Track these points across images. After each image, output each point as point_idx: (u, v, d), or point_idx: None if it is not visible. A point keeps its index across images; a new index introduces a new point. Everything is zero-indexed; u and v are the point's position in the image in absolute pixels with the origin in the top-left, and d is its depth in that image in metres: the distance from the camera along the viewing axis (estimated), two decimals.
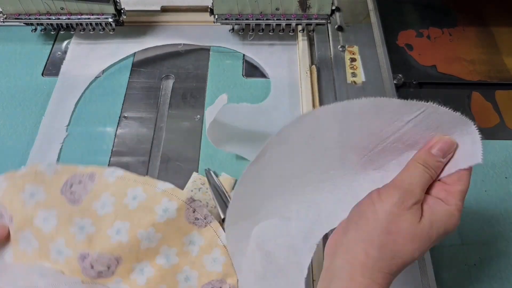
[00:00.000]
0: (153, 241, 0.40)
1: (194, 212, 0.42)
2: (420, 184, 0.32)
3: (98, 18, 0.62)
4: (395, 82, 0.60)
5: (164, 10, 0.69)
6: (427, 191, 0.33)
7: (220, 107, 0.49)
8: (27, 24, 0.64)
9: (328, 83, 0.60)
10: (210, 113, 0.51)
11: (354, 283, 0.30)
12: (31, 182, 0.40)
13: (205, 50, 0.66)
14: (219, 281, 0.41)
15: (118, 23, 0.64)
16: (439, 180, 0.33)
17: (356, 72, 0.61)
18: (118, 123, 0.58)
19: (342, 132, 0.35)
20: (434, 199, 0.32)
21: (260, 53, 0.65)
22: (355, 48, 0.63)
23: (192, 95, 0.61)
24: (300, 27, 0.65)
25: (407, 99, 0.59)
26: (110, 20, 0.62)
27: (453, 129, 0.33)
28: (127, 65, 0.64)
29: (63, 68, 0.63)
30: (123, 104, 0.60)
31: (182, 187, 0.51)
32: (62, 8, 0.61)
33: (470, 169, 0.33)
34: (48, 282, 0.37)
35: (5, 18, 0.62)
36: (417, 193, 0.32)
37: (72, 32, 0.67)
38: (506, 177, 0.52)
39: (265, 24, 0.63)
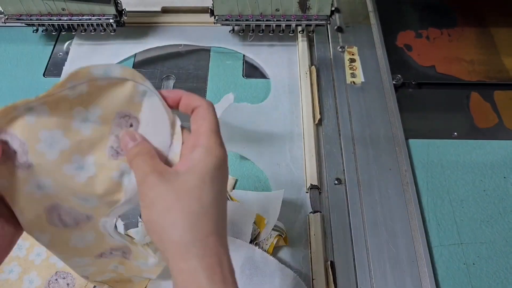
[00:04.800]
0: None
1: None
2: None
3: (99, 19, 0.62)
4: (394, 82, 0.61)
5: (165, 11, 0.70)
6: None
7: (226, 107, 0.49)
8: (28, 25, 0.65)
9: (327, 84, 0.60)
10: None
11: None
12: None
13: (206, 50, 0.67)
14: None
15: (119, 24, 0.64)
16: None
17: (356, 73, 0.61)
18: None
19: None
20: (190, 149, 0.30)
21: (260, 53, 0.65)
22: (355, 49, 0.64)
23: None
24: (300, 28, 0.65)
25: (406, 99, 0.60)
26: (111, 21, 0.62)
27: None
28: (128, 66, 0.64)
29: (65, 69, 0.64)
30: None
31: None
32: (63, 9, 0.61)
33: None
34: None
35: (7, 19, 0.63)
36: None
37: (73, 33, 0.68)
38: (504, 177, 0.52)
39: (265, 25, 0.63)
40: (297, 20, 0.61)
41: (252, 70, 0.64)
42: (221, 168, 0.29)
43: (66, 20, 0.62)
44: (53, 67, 0.65)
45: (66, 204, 0.32)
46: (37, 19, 0.62)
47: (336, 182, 0.51)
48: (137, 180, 0.29)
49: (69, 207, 0.32)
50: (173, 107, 0.33)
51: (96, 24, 0.64)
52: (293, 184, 0.52)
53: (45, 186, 0.30)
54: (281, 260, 0.45)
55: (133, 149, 0.30)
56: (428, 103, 0.61)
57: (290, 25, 0.63)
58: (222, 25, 0.63)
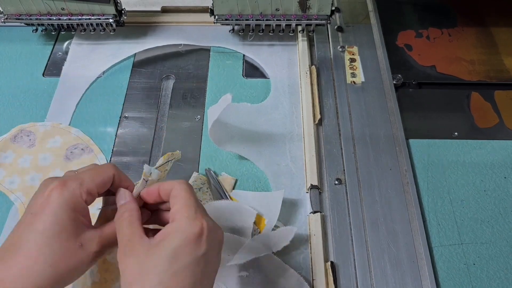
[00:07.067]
0: None
1: None
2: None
3: (99, 19, 0.62)
4: (394, 82, 0.60)
5: (165, 10, 0.70)
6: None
7: (224, 107, 0.49)
8: (28, 24, 0.65)
9: (327, 83, 0.60)
10: (212, 112, 0.51)
11: None
12: None
13: (205, 50, 0.66)
14: None
15: (119, 23, 0.64)
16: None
17: (356, 73, 0.61)
18: (118, 123, 0.58)
19: None
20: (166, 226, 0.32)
21: (260, 53, 0.65)
22: (355, 49, 0.64)
23: (192, 95, 0.61)
24: (300, 28, 0.65)
25: (406, 99, 0.60)
26: (111, 20, 0.62)
27: None
28: (128, 66, 0.65)
29: (64, 68, 0.64)
30: (123, 104, 0.60)
31: None
32: (62, 9, 0.61)
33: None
34: None
35: (6, 18, 0.62)
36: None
37: (73, 33, 0.68)
38: (505, 177, 0.52)
39: (265, 25, 0.63)
40: (297, 20, 0.61)
41: (252, 70, 0.64)
42: (191, 243, 0.30)
43: (65, 19, 0.62)
44: (53, 67, 0.65)
45: None
46: (36, 19, 0.62)
47: (336, 182, 0.51)
48: (118, 244, 0.32)
49: None
50: (157, 200, 0.35)
51: (96, 23, 0.64)
52: (293, 184, 0.52)
53: None
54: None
55: (120, 209, 0.33)
56: (429, 103, 0.61)
57: (290, 24, 0.63)
58: (222, 24, 0.62)
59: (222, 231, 0.33)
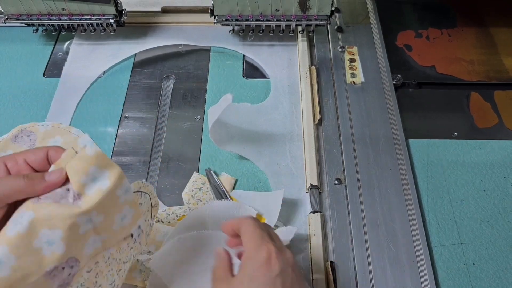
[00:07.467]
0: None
1: None
2: None
3: (99, 19, 0.62)
4: (394, 82, 0.61)
5: (165, 11, 0.70)
6: None
7: (224, 107, 0.49)
8: (28, 24, 0.65)
9: (327, 84, 0.60)
10: (212, 112, 0.51)
11: None
12: None
13: (206, 50, 0.67)
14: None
15: (119, 24, 0.64)
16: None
17: (356, 73, 0.61)
18: (119, 123, 0.58)
19: None
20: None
21: (260, 53, 0.65)
22: (355, 49, 0.64)
23: (192, 95, 0.61)
24: (300, 28, 0.65)
25: (406, 99, 0.60)
26: (111, 21, 0.62)
27: None
28: (128, 66, 0.65)
29: (65, 69, 0.64)
30: (124, 105, 0.60)
31: (183, 186, 0.52)
32: (63, 9, 0.61)
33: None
34: None
35: (7, 18, 0.63)
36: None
37: (73, 33, 0.68)
38: (504, 177, 0.52)
39: (265, 25, 0.63)
40: (297, 20, 0.61)
41: (252, 70, 0.64)
42: (263, 266, 0.34)
43: (66, 20, 0.62)
44: (53, 67, 0.65)
45: None
46: (37, 19, 0.62)
47: (336, 182, 0.51)
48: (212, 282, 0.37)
49: None
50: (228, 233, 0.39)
51: (96, 24, 0.64)
52: (293, 184, 0.52)
53: None
54: None
55: (220, 255, 0.38)
56: (428, 103, 0.61)
57: (290, 25, 0.63)
58: (222, 25, 0.63)
59: (291, 253, 0.36)
